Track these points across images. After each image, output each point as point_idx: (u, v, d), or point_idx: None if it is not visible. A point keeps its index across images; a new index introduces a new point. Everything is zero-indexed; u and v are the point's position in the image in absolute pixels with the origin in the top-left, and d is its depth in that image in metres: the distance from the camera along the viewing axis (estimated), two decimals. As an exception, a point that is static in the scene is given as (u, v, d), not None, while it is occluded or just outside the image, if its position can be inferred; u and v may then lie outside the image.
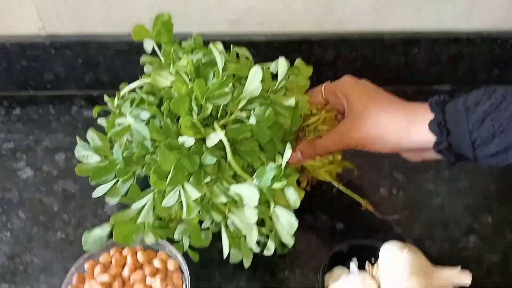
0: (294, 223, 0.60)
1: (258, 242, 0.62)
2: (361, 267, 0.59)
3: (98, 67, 0.85)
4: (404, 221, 0.70)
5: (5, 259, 0.65)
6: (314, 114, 0.73)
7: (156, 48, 0.69)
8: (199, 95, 0.59)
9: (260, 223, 0.64)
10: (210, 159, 0.59)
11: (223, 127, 0.60)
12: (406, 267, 0.52)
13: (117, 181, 0.63)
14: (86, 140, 0.66)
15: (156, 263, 0.58)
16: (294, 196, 0.59)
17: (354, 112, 0.63)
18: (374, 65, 0.86)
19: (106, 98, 0.68)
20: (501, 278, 0.63)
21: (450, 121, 0.54)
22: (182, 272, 0.59)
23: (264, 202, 0.60)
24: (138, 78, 0.66)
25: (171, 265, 0.58)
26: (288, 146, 0.59)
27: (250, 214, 0.60)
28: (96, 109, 0.71)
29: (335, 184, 0.69)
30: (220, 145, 0.59)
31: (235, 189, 0.60)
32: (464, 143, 0.53)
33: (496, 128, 0.51)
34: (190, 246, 0.64)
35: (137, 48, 0.81)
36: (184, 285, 0.57)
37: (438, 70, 0.88)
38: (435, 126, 0.54)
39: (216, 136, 0.59)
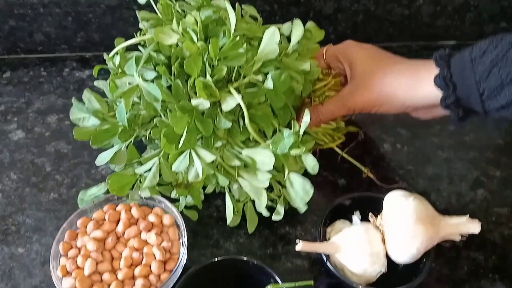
0: (310, 189, 0.58)
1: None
2: (364, 220, 0.57)
3: (89, 25, 0.81)
4: (408, 176, 0.67)
5: (-3, 219, 0.63)
6: (321, 79, 0.70)
7: (153, 3, 0.65)
8: (213, 55, 0.56)
9: (268, 188, 0.62)
10: (225, 123, 0.56)
11: (237, 90, 0.57)
12: (411, 214, 0.50)
13: (121, 146, 0.61)
14: (81, 102, 0.63)
15: (152, 218, 0.56)
16: (312, 163, 0.58)
17: (358, 76, 0.61)
18: (376, 18, 0.82)
19: (105, 55, 0.64)
20: (509, 230, 0.61)
21: (456, 74, 0.51)
22: (178, 227, 0.57)
23: (274, 167, 0.58)
24: (131, 37, 0.62)
25: (166, 220, 0.56)
26: (307, 111, 0.57)
27: (263, 179, 0.58)
28: (97, 68, 0.67)
29: (339, 151, 0.67)
30: (233, 109, 0.56)
31: (248, 153, 0.58)
32: (472, 96, 0.51)
33: (504, 78, 0.48)
34: (186, 206, 0.62)
35: (128, 3, 0.78)
36: (180, 240, 0.55)
37: (444, 23, 0.84)
38: (440, 80, 0.52)
39: (233, 100, 0.56)
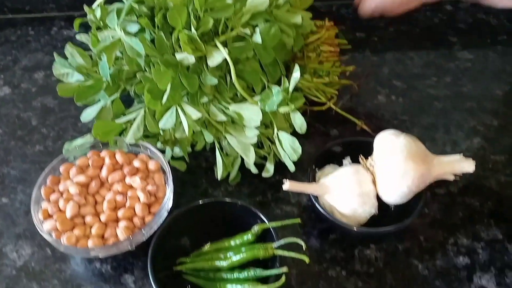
0: (298, 148, 0.56)
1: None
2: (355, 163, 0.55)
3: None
4: (403, 126, 0.65)
5: (-19, 172, 0.62)
6: (315, 32, 0.68)
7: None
8: (198, 6, 0.53)
9: (258, 145, 0.61)
10: (211, 80, 0.54)
11: (224, 44, 0.55)
12: (401, 151, 0.48)
13: (106, 102, 0.60)
14: (65, 57, 0.61)
15: (136, 163, 0.55)
16: (300, 121, 0.56)
17: None
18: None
19: (86, 8, 0.62)
20: (506, 177, 0.59)
21: None
22: (164, 173, 0.55)
23: (262, 124, 0.57)
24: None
25: (152, 165, 0.55)
26: (297, 67, 0.54)
27: (250, 135, 0.57)
28: (77, 22, 0.66)
29: (332, 106, 0.65)
30: (220, 64, 0.54)
31: (235, 108, 0.56)
32: None
33: None
34: (173, 157, 0.61)
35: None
36: (167, 185, 0.54)
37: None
38: None
39: (220, 54, 0.53)
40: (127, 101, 0.62)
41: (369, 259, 0.53)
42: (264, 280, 0.47)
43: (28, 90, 0.72)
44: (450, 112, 0.67)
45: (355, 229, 0.49)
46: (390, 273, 0.52)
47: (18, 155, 0.64)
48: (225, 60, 0.53)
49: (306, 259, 0.45)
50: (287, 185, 0.49)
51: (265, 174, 0.60)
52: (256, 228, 0.49)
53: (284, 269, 0.44)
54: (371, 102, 0.69)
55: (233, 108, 0.56)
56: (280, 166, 0.59)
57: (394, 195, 0.49)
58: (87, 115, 0.61)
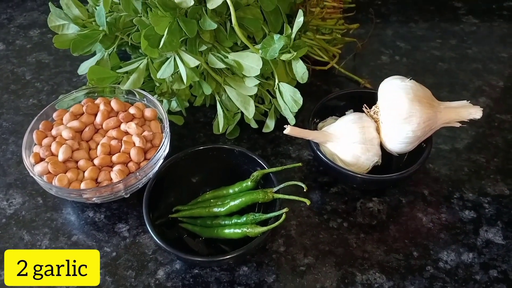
0: (299, 99, 0.54)
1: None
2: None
3: None
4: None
5: (-27, 123, 0.60)
6: None
7: None
8: None
9: (258, 101, 0.59)
10: (210, 24, 0.52)
11: None
12: (407, 93, 0.46)
13: (103, 54, 0.58)
14: (60, 8, 0.59)
15: (132, 110, 0.53)
16: (302, 70, 0.54)
17: None
18: None
19: None
20: (513, 135, 0.58)
21: None
22: (161, 121, 0.54)
23: (261, 77, 0.55)
24: None
25: (148, 113, 0.53)
26: (300, 12, 0.52)
27: (250, 85, 0.55)
28: None
29: (335, 65, 0.63)
30: (219, 10, 0.52)
31: (235, 57, 0.54)
32: None
33: None
34: (171, 112, 0.59)
35: None
36: (164, 134, 0.52)
37: None
38: None
39: None
40: (124, 58, 0.60)
41: (372, 211, 0.51)
42: (263, 225, 0.45)
43: (22, 46, 0.70)
44: (455, 73, 0.66)
45: (358, 176, 0.47)
46: (394, 225, 0.50)
47: (11, 108, 0.62)
48: (226, 5, 0.52)
49: (307, 202, 0.44)
50: (288, 129, 0.47)
51: (265, 130, 0.58)
52: (255, 174, 0.47)
53: (285, 209, 0.43)
54: (375, 62, 0.67)
55: (232, 56, 0.54)
56: (280, 122, 0.58)
57: (399, 141, 0.48)
58: (85, 68, 0.59)
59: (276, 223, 0.42)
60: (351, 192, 0.53)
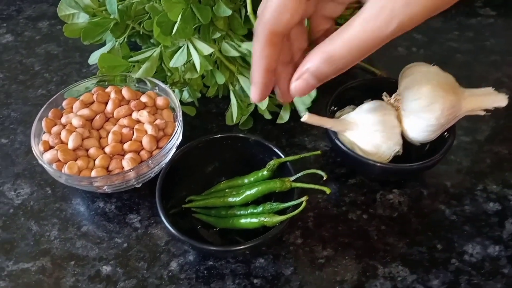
0: (312, 92, 0.53)
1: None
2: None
3: None
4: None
5: (-20, 113, 0.59)
6: None
7: None
8: None
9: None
10: (225, 11, 0.51)
11: None
12: (431, 79, 0.45)
13: (114, 44, 0.57)
14: None
15: (144, 98, 0.51)
16: None
17: None
18: None
19: None
20: (536, 127, 0.56)
21: None
22: (173, 110, 0.52)
23: None
24: None
25: (160, 101, 0.51)
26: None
27: None
28: None
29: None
30: None
31: (249, 46, 0.53)
32: None
33: None
34: (182, 102, 0.58)
35: None
36: (177, 123, 0.50)
37: None
38: None
39: None
40: (134, 50, 0.59)
41: (392, 203, 0.49)
42: (281, 214, 0.43)
43: (31, 38, 0.69)
44: (473, 65, 0.64)
45: (380, 165, 0.46)
46: (415, 217, 0.48)
47: (20, 98, 0.61)
48: (241, -8, 0.51)
49: (327, 190, 0.42)
50: (306, 116, 0.46)
51: (279, 121, 0.57)
52: (271, 163, 0.45)
53: (305, 197, 0.41)
54: (391, 54, 0.66)
55: (246, 46, 0.53)
56: (295, 113, 0.56)
57: (421, 129, 0.46)
58: (95, 57, 0.58)
59: (296, 211, 0.40)
60: (370, 184, 0.51)
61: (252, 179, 0.47)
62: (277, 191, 0.44)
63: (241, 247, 0.40)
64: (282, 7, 0.33)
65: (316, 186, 0.43)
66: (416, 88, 0.45)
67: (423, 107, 0.45)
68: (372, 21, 0.31)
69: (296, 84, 0.36)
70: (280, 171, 0.46)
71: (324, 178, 0.43)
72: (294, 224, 0.47)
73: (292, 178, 0.44)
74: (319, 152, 0.46)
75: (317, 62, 0.34)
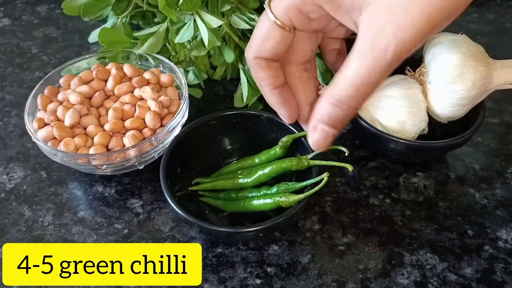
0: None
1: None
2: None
3: None
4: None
5: (-27, 96, 0.56)
6: None
7: None
8: None
9: None
10: None
11: None
12: (460, 47, 0.41)
13: (115, 22, 0.53)
14: None
15: (147, 75, 0.48)
16: None
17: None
18: None
19: None
20: None
21: None
22: (178, 89, 0.48)
23: None
24: None
25: (165, 78, 0.48)
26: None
27: None
28: None
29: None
30: None
31: None
32: None
33: None
34: (188, 85, 0.54)
35: None
36: (182, 100, 0.46)
37: None
38: None
39: None
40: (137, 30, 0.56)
41: (417, 187, 0.45)
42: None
43: (29, 21, 0.66)
44: (495, 46, 0.60)
45: (405, 142, 0.42)
46: (443, 201, 0.44)
47: (15, 81, 0.57)
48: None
49: (350, 167, 0.38)
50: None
51: None
52: (284, 139, 0.42)
53: (325, 174, 0.37)
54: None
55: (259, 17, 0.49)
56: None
57: (450, 103, 0.42)
58: (96, 36, 0.54)
59: (317, 187, 0.36)
60: (392, 167, 0.47)
61: (263, 158, 0.42)
62: (293, 169, 0.40)
63: (256, 228, 0.36)
64: (266, 35, 0.35)
65: (338, 163, 0.39)
66: (445, 57, 0.41)
67: (453, 78, 0.41)
68: (368, 52, 0.30)
69: (313, 138, 0.36)
70: (295, 150, 0.42)
71: (346, 154, 0.39)
72: (310, 209, 0.43)
73: (310, 155, 0.40)
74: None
75: (327, 109, 0.33)
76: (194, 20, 0.49)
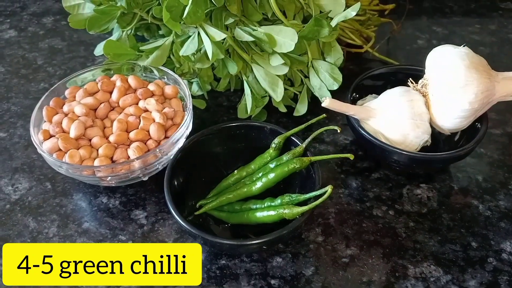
0: (338, 76, 0.50)
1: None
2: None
3: None
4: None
5: (-22, 107, 0.56)
6: None
7: None
8: None
9: (287, 83, 0.54)
10: None
11: None
12: (463, 59, 0.41)
13: (121, 35, 0.54)
14: None
15: (151, 87, 0.48)
16: (339, 53, 0.51)
17: None
18: None
19: None
20: None
21: None
22: (182, 100, 0.49)
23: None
24: None
25: (169, 90, 0.48)
26: (358, 4, 0.47)
27: (275, 63, 0.50)
28: None
29: (368, 49, 0.59)
30: None
31: (266, 29, 0.49)
32: None
33: None
34: (192, 96, 0.55)
35: None
36: (186, 112, 0.47)
37: None
38: None
39: None
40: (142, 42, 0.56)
41: (421, 198, 0.45)
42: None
43: (35, 33, 0.67)
44: (497, 56, 0.61)
45: (409, 154, 0.42)
46: (446, 213, 0.44)
47: (20, 92, 0.58)
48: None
49: (351, 156, 0.39)
50: (328, 101, 0.42)
51: (296, 114, 0.53)
52: (276, 141, 0.42)
53: (329, 187, 0.37)
54: (411, 46, 0.63)
55: (263, 30, 0.50)
56: (312, 106, 0.53)
57: (453, 115, 0.42)
58: (101, 49, 0.55)
59: (320, 200, 0.36)
60: (395, 178, 0.47)
61: (259, 163, 0.43)
62: (297, 170, 0.40)
63: (260, 240, 0.36)
64: None
65: (339, 155, 0.40)
66: (447, 69, 0.42)
67: (455, 90, 0.41)
68: None
69: None
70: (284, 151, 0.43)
71: (339, 131, 0.40)
72: (314, 221, 0.43)
73: (304, 144, 0.41)
74: (324, 116, 0.42)
75: None
76: (198, 33, 0.49)
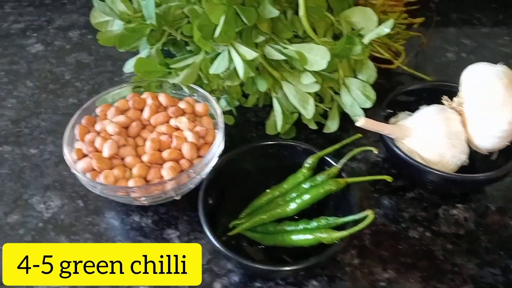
0: (371, 94, 0.50)
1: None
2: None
3: None
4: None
5: (9, 123, 0.56)
6: None
7: None
8: None
9: (317, 100, 0.54)
10: (271, 11, 0.48)
11: None
12: (501, 78, 0.41)
13: (151, 51, 0.54)
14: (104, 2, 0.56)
15: (182, 105, 0.48)
16: (372, 70, 0.51)
17: None
18: None
19: None
20: None
21: None
22: (213, 117, 0.49)
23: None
24: None
25: (200, 108, 0.48)
26: (391, 21, 0.47)
27: (306, 81, 0.50)
28: None
29: (397, 62, 0.58)
30: None
31: (298, 47, 0.49)
32: None
33: None
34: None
35: None
36: (218, 130, 0.46)
37: None
38: None
39: None
40: (168, 57, 0.56)
41: (457, 219, 0.44)
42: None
43: (62, 47, 0.67)
44: (531, 71, 0.59)
45: (444, 174, 0.41)
46: (484, 234, 0.43)
47: (49, 107, 0.58)
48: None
49: (389, 179, 0.38)
50: (362, 121, 0.42)
51: (326, 130, 0.53)
52: (310, 161, 0.42)
53: (369, 212, 0.36)
54: (439, 60, 0.62)
55: (294, 48, 0.49)
56: (343, 123, 0.52)
57: (491, 135, 0.41)
58: (130, 66, 0.55)
59: (361, 226, 0.36)
60: (430, 198, 0.46)
61: (292, 183, 0.43)
62: (332, 192, 0.40)
63: (297, 267, 0.36)
64: None
65: (376, 177, 0.39)
66: (484, 88, 0.41)
67: (494, 110, 0.40)
68: None
69: None
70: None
71: (375, 152, 0.40)
72: (349, 243, 0.43)
73: (339, 164, 0.41)
74: (359, 135, 0.42)
75: None
76: (228, 51, 0.49)
